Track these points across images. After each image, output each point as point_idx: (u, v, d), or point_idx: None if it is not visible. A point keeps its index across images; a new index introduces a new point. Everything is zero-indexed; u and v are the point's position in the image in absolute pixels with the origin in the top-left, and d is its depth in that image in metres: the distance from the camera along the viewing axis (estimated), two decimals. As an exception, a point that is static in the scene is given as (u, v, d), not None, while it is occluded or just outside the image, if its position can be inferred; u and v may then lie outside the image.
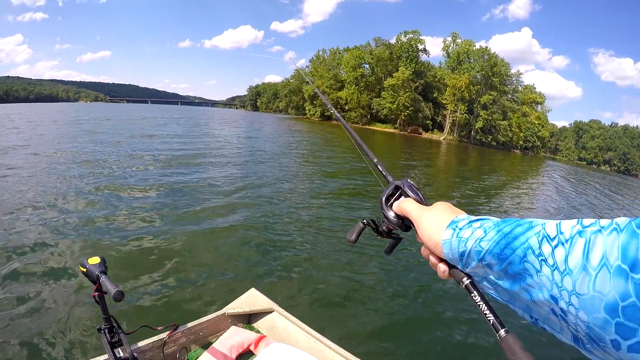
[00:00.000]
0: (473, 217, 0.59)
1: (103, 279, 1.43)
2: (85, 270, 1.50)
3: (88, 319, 3.35)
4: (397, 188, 0.77)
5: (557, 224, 0.46)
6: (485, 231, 0.53)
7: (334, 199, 9.03)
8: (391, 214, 0.76)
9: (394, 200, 0.77)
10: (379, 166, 0.94)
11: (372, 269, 5.25)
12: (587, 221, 0.43)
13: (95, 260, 1.51)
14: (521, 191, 16.55)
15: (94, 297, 1.51)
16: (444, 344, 3.66)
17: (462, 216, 0.61)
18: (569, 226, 0.44)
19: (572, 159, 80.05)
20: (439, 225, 0.61)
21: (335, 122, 66.44)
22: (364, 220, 0.81)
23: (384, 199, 0.78)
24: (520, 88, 64.26)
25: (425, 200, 0.73)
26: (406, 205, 0.72)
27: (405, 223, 0.74)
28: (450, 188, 14.20)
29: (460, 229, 0.57)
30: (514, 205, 12.43)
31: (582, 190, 21.83)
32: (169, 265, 4.55)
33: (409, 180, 0.77)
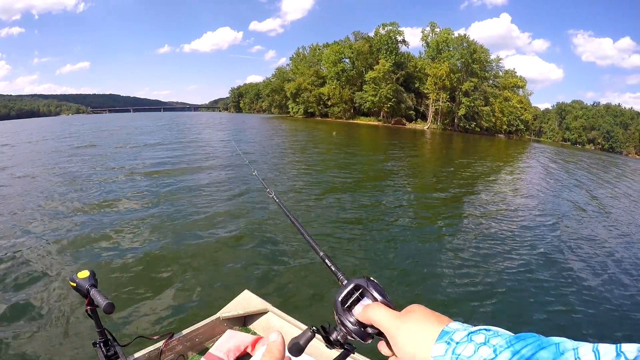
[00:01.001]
0: (471, 328, 0.47)
1: (93, 292, 1.42)
2: (75, 284, 1.48)
3: (83, 333, 3.32)
4: (357, 287, 0.62)
5: (593, 350, 0.37)
6: (495, 351, 0.42)
7: (321, 198, 9.05)
8: (351, 320, 0.60)
9: (353, 303, 0.62)
10: (326, 260, 0.79)
11: (365, 262, 5.30)
12: (628, 348, 0.35)
13: (84, 274, 1.50)
14: (513, 176, 16.77)
15: (87, 311, 1.49)
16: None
17: (454, 325, 0.49)
18: (611, 356, 0.35)
19: (556, 140, 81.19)
20: (426, 339, 0.49)
21: (319, 118, 66.40)
22: (313, 328, 0.65)
23: (339, 300, 0.63)
24: (500, 73, 64.86)
25: (392, 303, 0.59)
26: (376, 314, 0.57)
27: (367, 332, 0.59)
28: (437, 177, 14.32)
29: (458, 343, 0.46)
30: (508, 192, 12.59)
31: (573, 171, 22.20)
32: (161, 274, 4.52)
33: (371, 278, 0.63)
